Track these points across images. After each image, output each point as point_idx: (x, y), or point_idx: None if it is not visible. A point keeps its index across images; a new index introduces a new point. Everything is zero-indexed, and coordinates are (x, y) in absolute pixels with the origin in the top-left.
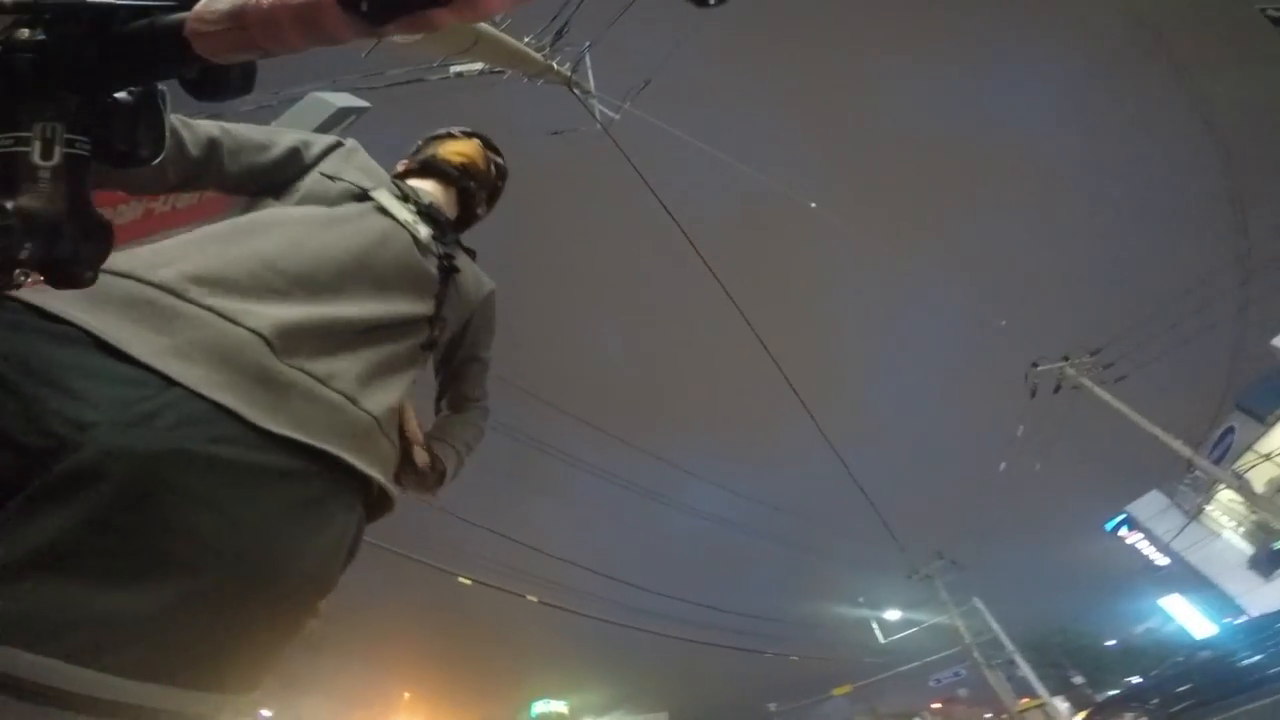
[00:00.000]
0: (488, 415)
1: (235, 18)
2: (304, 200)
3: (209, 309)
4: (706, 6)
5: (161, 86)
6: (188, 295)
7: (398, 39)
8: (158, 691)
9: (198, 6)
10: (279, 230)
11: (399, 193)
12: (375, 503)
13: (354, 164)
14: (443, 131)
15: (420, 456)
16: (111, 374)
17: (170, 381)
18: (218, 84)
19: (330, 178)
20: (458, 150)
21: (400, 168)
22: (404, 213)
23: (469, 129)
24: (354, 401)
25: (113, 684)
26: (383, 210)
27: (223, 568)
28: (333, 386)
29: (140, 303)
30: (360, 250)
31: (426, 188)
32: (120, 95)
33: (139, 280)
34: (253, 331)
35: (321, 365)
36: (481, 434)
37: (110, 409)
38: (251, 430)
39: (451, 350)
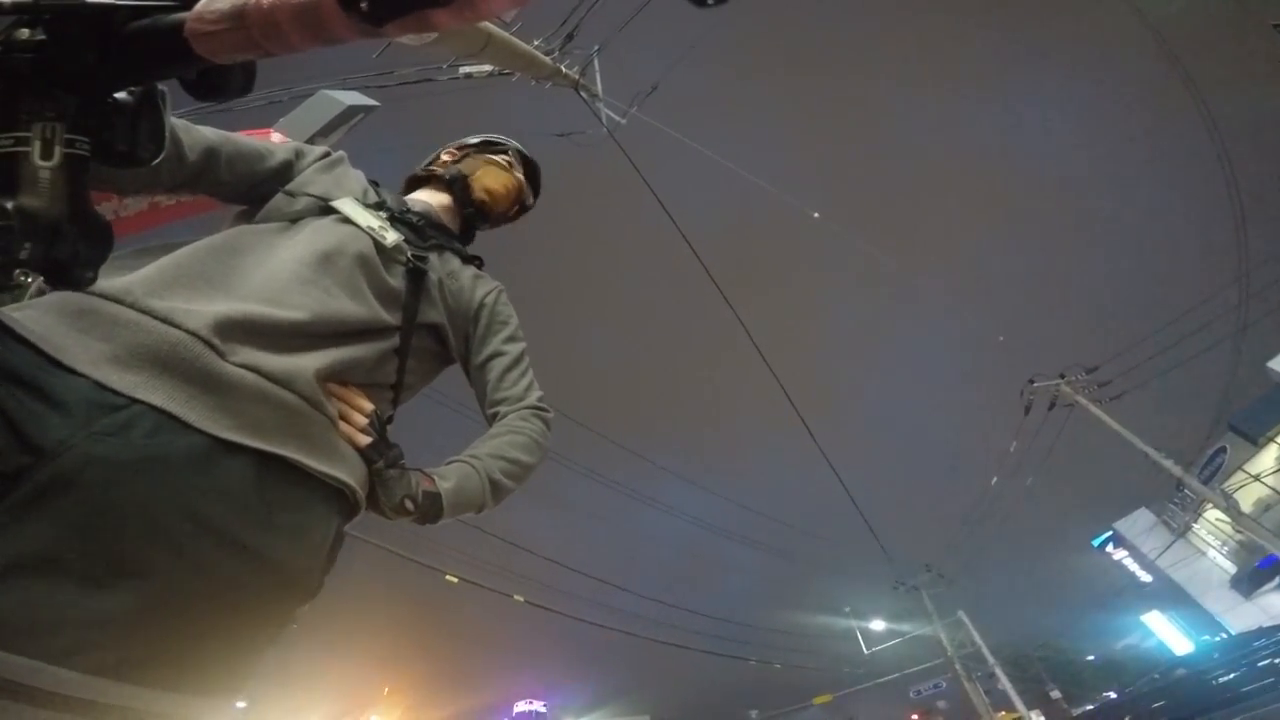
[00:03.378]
0: (538, 415)
1: (235, 18)
2: (265, 218)
3: (146, 312)
4: (705, 6)
5: (161, 87)
6: (127, 300)
7: (409, 40)
8: (136, 693)
9: (198, 6)
10: (230, 241)
11: (374, 200)
12: (351, 506)
13: (327, 176)
14: (499, 144)
15: (359, 438)
16: (79, 384)
17: (117, 391)
18: (218, 84)
19: (292, 194)
20: (491, 186)
21: (422, 169)
22: (370, 219)
23: (524, 151)
24: (312, 403)
25: (92, 684)
26: (345, 219)
27: (195, 571)
28: (288, 387)
29: (87, 311)
30: (311, 256)
31: (425, 197)
32: (120, 96)
33: (88, 290)
34: (190, 333)
35: (275, 365)
36: (526, 440)
37: (83, 418)
38: (199, 435)
39: (466, 360)
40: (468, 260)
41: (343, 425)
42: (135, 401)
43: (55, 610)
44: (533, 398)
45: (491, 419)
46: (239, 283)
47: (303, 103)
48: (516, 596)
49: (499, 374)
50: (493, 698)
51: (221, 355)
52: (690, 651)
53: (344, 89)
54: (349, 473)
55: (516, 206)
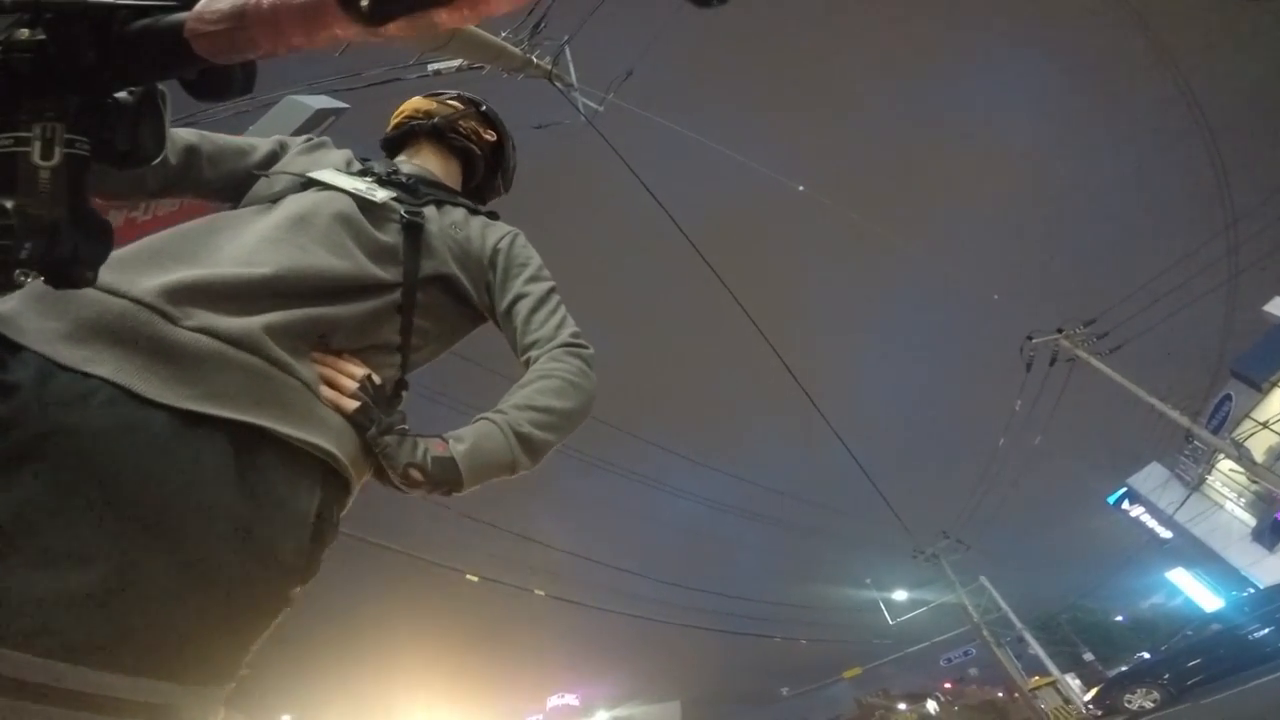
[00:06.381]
0: (572, 352)
1: (236, 18)
2: (248, 203)
3: (95, 285)
4: (708, 6)
5: (161, 87)
6: None
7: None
8: (100, 678)
9: (198, 6)
10: (206, 223)
11: (359, 168)
12: (341, 478)
13: (307, 158)
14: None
15: (345, 404)
16: (32, 360)
17: (66, 366)
18: (218, 84)
19: (270, 177)
20: (395, 113)
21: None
22: (354, 182)
23: (471, 96)
24: (279, 366)
25: (52, 669)
26: (326, 187)
27: (165, 548)
28: (250, 350)
29: (46, 292)
30: (284, 221)
31: (405, 162)
32: (120, 95)
33: None
34: (135, 300)
35: (234, 327)
36: (558, 383)
37: (36, 392)
38: (159, 407)
39: (493, 311)
40: (476, 212)
41: (326, 391)
42: (89, 376)
43: (14, 589)
44: (565, 334)
45: (526, 367)
46: (207, 256)
47: (270, 109)
48: (537, 591)
49: (525, 316)
50: (527, 693)
51: (173, 320)
52: (716, 634)
53: (311, 93)
54: (332, 441)
55: (456, 107)
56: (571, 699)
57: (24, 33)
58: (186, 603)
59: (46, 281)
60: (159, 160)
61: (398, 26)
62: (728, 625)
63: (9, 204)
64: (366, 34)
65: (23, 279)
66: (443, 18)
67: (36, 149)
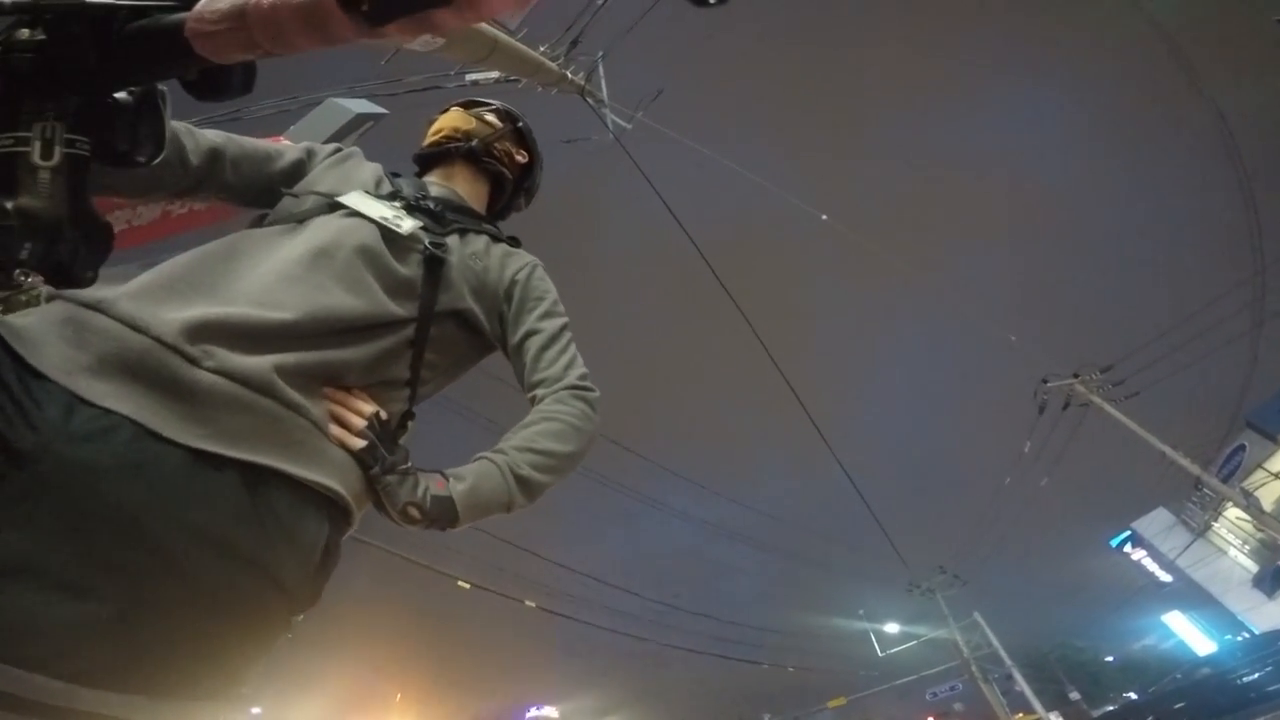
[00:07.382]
0: (578, 396)
1: (236, 18)
2: (273, 220)
3: (118, 318)
4: (707, 6)
5: (162, 87)
6: (102, 306)
7: (417, 46)
8: (116, 699)
9: (198, 6)
10: (229, 246)
11: (388, 190)
12: (344, 512)
13: (336, 172)
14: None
15: (352, 442)
16: (55, 391)
17: (88, 401)
18: (218, 84)
19: (296, 195)
20: (433, 129)
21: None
22: (382, 209)
23: (510, 110)
24: (292, 408)
25: (71, 691)
26: (353, 213)
27: (178, 577)
28: (264, 393)
29: (69, 319)
30: (304, 254)
31: (436, 180)
32: (120, 95)
33: (67, 299)
34: (156, 339)
35: (251, 369)
36: (560, 427)
37: (61, 424)
38: (175, 445)
39: (504, 342)
40: (499, 239)
41: (334, 429)
42: (110, 412)
43: (35, 616)
44: (573, 376)
45: (531, 404)
46: (227, 287)
47: (311, 111)
48: (528, 602)
49: (535, 353)
50: (505, 703)
51: (192, 361)
52: (702, 656)
53: (352, 97)
54: (337, 479)
55: (494, 125)
56: (550, 711)
57: (24, 33)
58: (197, 630)
59: (47, 281)
60: (163, 161)
61: (398, 27)
62: (715, 648)
63: (9, 204)
64: (367, 34)
65: (22, 279)
66: (444, 18)
67: (36, 149)
